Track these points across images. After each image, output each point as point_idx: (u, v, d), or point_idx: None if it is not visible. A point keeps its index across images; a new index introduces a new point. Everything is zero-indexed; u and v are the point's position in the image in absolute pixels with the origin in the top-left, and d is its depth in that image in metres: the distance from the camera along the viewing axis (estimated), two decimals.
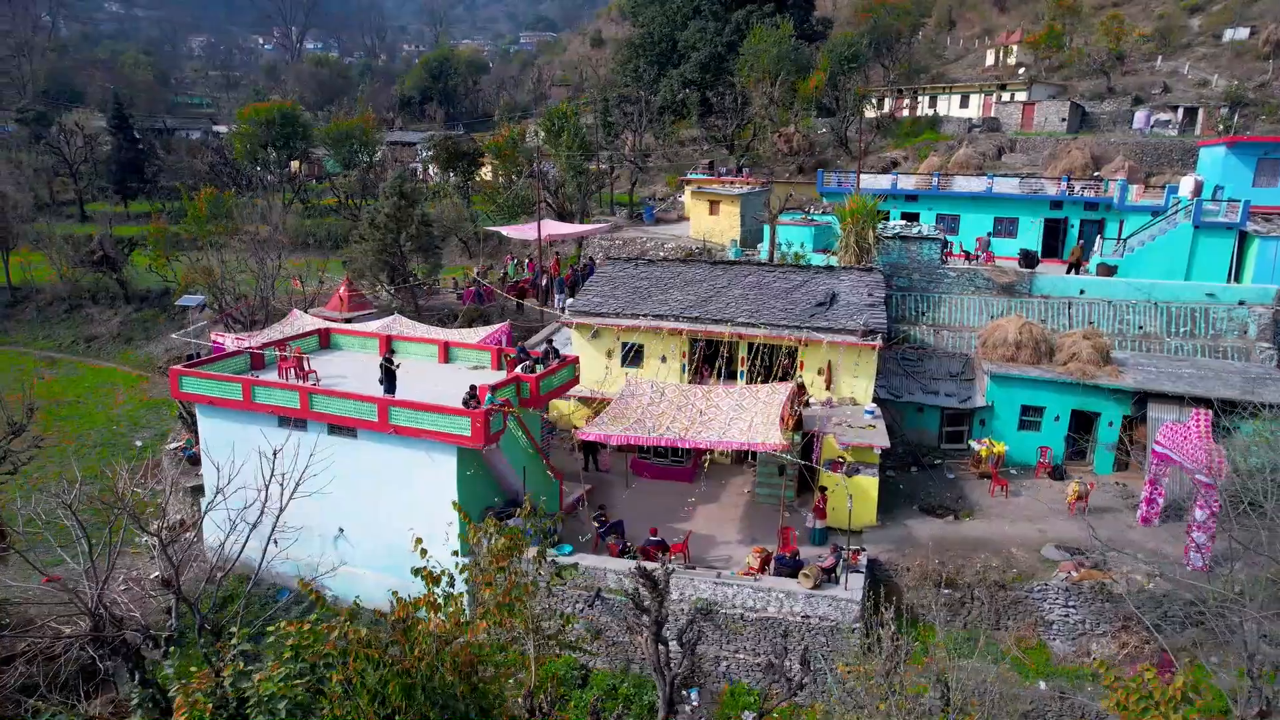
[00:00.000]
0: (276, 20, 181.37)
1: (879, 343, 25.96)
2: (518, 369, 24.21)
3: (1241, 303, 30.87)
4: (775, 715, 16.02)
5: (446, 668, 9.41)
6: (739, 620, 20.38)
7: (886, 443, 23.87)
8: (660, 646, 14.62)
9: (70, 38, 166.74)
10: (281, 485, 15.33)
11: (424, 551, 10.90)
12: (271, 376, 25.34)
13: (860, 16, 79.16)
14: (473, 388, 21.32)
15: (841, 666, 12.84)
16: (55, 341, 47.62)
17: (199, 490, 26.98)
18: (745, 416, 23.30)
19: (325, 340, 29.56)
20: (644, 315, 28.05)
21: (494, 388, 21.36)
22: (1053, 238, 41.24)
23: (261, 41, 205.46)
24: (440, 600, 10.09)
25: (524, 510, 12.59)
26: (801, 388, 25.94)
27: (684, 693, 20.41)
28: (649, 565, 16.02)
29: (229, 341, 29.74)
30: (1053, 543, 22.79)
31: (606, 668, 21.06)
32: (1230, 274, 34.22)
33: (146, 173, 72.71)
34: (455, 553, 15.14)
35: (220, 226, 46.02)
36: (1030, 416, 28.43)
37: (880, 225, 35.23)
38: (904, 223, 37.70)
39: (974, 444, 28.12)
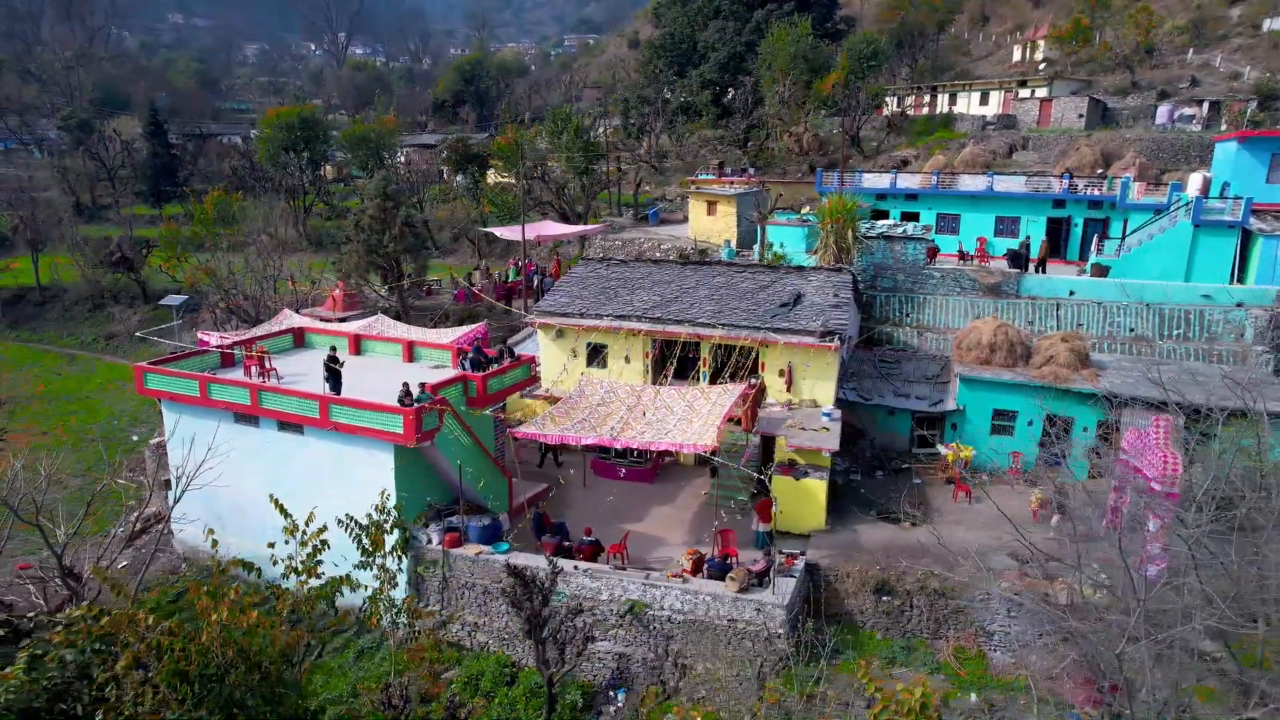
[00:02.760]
0: (323, 27, 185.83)
1: (837, 344, 25.46)
2: (463, 367, 24.42)
3: (1239, 305, 29.60)
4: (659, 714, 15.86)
5: (231, 656, 9.53)
6: (667, 622, 20.21)
7: (836, 446, 23.45)
8: (539, 645, 14.61)
9: (131, 48, 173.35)
10: (179, 476, 15.72)
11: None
12: (238, 374, 25.97)
13: (884, 15, 77.93)
14: (405, 385, 21.55)
15: (700, 671, 12.69)
16: (78, 339, 49.54)
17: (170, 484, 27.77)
18: (693, 417, 23.15)
19: (300, 339, 30.18)
20: (607, 316, 28.01)
21: (422, 385, 21.54)
22: (1055, 238, 39.98)
23: (313, 48, 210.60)
24: (248, 589, 10.22)
25: (378, 506, 12.71)
26: (762, 388, 25.64)
27: (610, 693, 20.34)
28: (521, 565, 15.98)
29: (213, 340, 30.55)
30: (1005, 551, 22.11)
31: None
32: (1233, 275, 32.76)
33: (179, 177, 75.14)
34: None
35: (230, 229, 47.31)
36: (1002, 421, 27.64)
37: (867, 225, 34.67)
38: (890, 222, 37.02)
39: (942, 448, 27.45)
